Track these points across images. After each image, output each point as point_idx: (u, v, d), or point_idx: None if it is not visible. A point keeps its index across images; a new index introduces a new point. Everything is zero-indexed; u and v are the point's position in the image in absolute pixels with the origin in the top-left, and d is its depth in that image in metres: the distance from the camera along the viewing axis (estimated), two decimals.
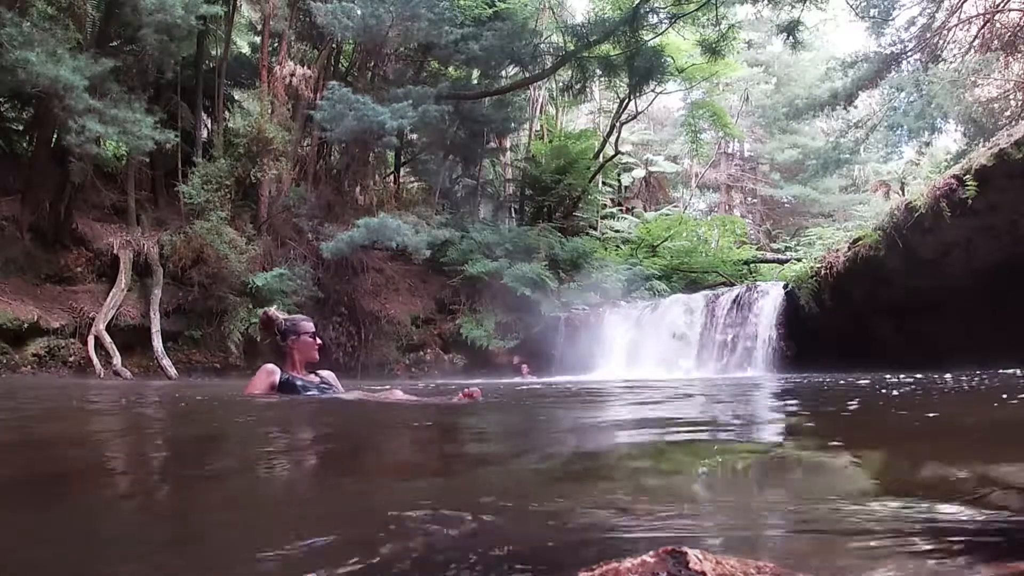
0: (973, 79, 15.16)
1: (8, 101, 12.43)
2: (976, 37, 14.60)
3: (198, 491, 1.28)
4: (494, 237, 15.00)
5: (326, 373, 3.81)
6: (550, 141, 19.27)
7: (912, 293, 8.08)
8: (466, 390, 3.40)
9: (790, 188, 28.48)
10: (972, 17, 14.72)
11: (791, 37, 14.48)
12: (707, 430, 2.44)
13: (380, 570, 0.75)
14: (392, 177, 17.07)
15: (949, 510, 0.95)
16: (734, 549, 0.77)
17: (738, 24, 16.02)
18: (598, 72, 16.37)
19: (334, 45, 14.69)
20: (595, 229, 18.76)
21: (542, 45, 15.78)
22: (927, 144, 18.56)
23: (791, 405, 3.72)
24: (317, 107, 12.44)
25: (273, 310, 3.81)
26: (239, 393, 3.74)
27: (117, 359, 9.96)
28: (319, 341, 3.65)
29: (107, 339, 10.14)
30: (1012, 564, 0.66)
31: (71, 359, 10.11)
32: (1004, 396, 3.24)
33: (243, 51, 16.44)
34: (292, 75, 12.86)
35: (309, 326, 3.65)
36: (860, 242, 8.57)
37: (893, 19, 15.33)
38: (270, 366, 3.58)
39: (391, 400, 3.52)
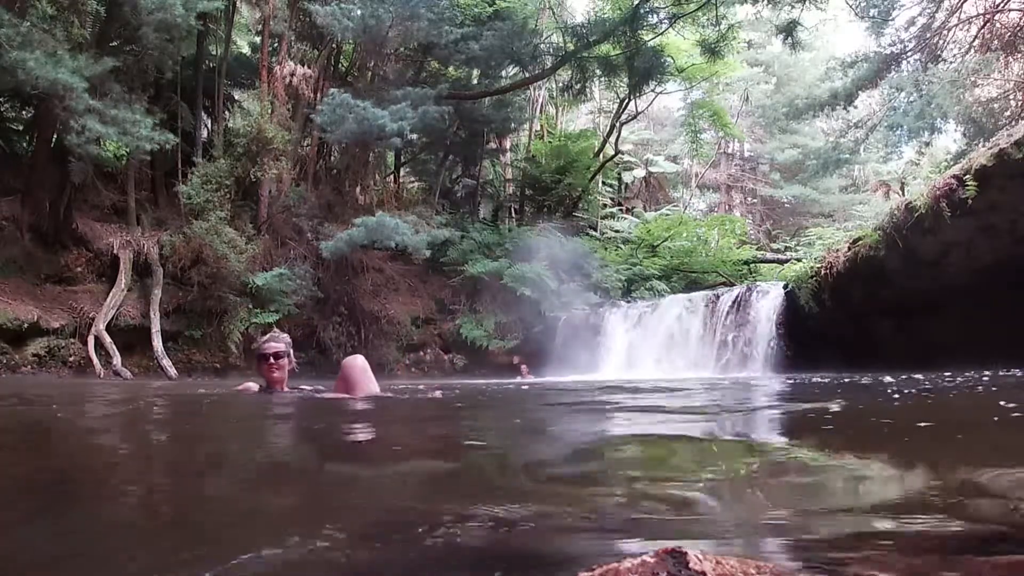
0: (973, 79, 15.17)
1: (8, 101, 12.44)
2: (976, 37, 14.60)
3: None
4: (494, 237, 15.00)
5: (307, 387, 4.22)
6: (550, 141, 19.27)
7: (912, 293, 8.08)
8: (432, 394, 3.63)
9: (790, 188, 28.50)
10: (972, 17, 14.72)
11: (789, 38, 14.49)
12: (706, 430, 2.44)
13: (378, 571, 0.75)
14: (392, 177, 17.07)
15: (947, 514, 0.95)
16: (734, 549, 0.77)
17: (738, 24, 16.02)
18: (598, 72, 16.37)
19: (334, 45, 14.68)
20: (595, 229, 18.76)
21: (542, 45, 15.77)
22: (927, 144, 18.56)
23: (791, 406, 3.72)
24: (317, 111, 12.44)
25: (264, 338, 4.17)
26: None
27: (117, 359, 9.96)
28: (271, 362, 3.90)
29: (107, 339, 10.15)
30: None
31: (71, 359, 10.12)
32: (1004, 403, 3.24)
33: (243, 51, 16.44)
34: (292, 75, 12.86)
35: (262, 348, 3.97)
36: (860, 242, 8.56)
37: (893, 19, 15.34)
38: (250, 383, 4.11)
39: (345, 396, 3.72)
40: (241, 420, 3.20)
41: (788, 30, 14.37)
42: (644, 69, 15.49)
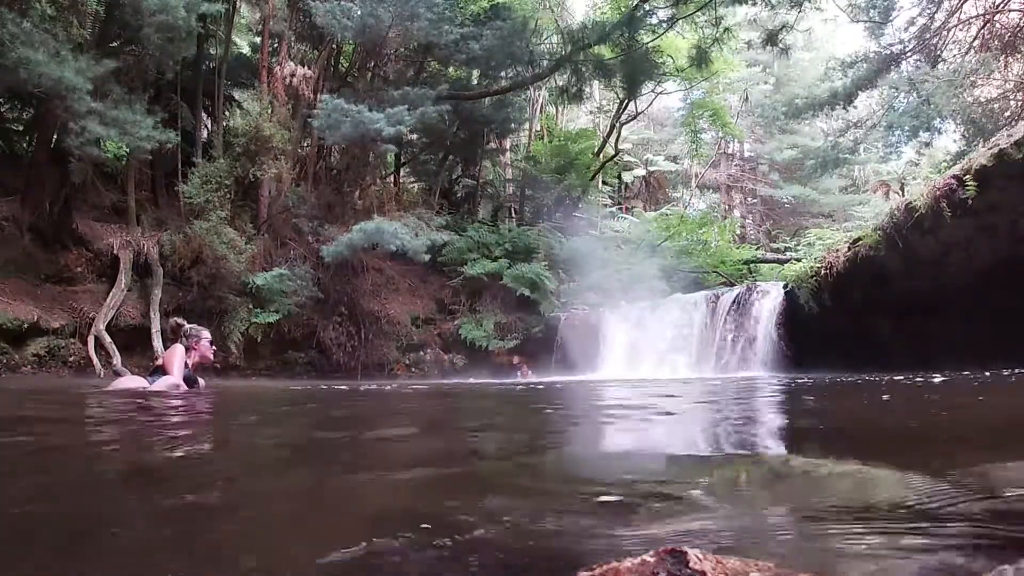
0: (973, 79, 15.15)
1: (8, 101, 12.44)
2: (976, 38, 14.59)
3: None
4: (494, 237, 15.00)
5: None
6: (550, 141, 19.29)
7: (912, 293, 8.08)
8: None
9: (790, 188, 28.50)
10: (972, 18, 14.71)
11: (775, 46, 14.48)
12: (705, 430, 2.44)
13: (376, 570, 0.75)
14: (392, 177, 17.08)
15: (947, 515, 0.95)
16: (734, 549, 0.77)
17: (736, 25, 16.02)
18: (593, 74, 16.32)
19: (334, 46, 14.69)
20: (595, 229, 18.77)
21: (542, 46, 15.77)
22: (926, 144, 18.53)
23: (791, 406, 3.72)
24: (314, 116, 12.43)
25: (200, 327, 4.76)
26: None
27: (117, 359, 9.96)
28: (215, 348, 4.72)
29: (107, 339, 10.15)
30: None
31: (71, 359, 10.11)
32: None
33: (243, 51, 16.44)
34: (292, 75, 12.86)
35: (208, 335, 4.59)
36: (860, 242, 8.57)
37: (892, 20, 15.33)
38: (126, 380, 4.84)
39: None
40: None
41: (773, 39, 14.35)
42: (637, 72, 15.46)
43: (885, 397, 3.62)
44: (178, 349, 4.33)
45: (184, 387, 4.19)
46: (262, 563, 0.81)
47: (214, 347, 4.67)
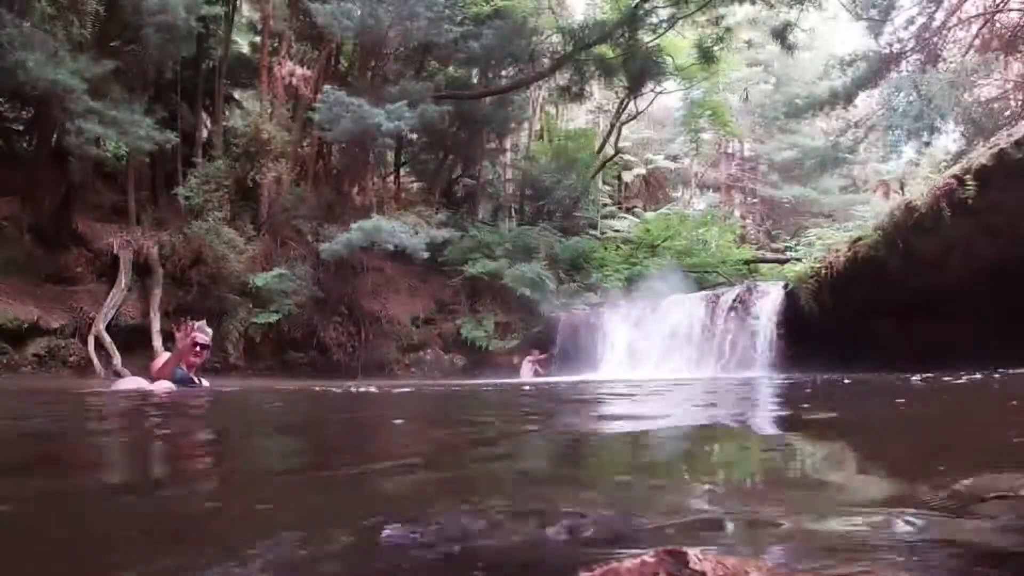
0: (973, 79, 15.15)
1: (8, 102, 12.44)
2: (976, 37, 14.60)
3: None
4: (494, 237, 15.00)
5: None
6: (550, 141, 19.26)
7: (912, 293, 8.07)
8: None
9: (790, 188, 28.48)
10: (972, 17, 14.72)
11: (782, 42, 14.49)
12: (705, 431, 2.44)
13: (375, 572, 0.75)
14: (392, 177, 17.08)
15: (945, 517, 0.95)
16: (734, 550, 0.77)
17: (736, 24, 16.04)
18: (596, 74, 16.33)
19: (334, 45, 14.69)
20: (595, 229, 18.75)
21: (541, 45, 15.77)
22: (926, 144, 18.53)
23: (792, 406, 3.72)
24: (315, 109, 12.44)
25: (198, 325, 4.67)
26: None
27: (117, 359, 9.96)
28: (199, 350, 4.51)
29: (107, 339, 10.15)
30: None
31: (71, 359, 10.12)
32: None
33: (243, 51, 16.43)
34: (292, 75, 12.87)
35: (198, 337, 4.48)
36: (860, 242, 8.57)
37: (891, 19, 15.33)
38: (141, 383, 4.49)
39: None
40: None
41: (782, 33, 14.36)
42: (641, 71, 15.47)
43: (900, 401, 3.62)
44: (163, 355, 4.49)
45: (172, 387, 4.21)
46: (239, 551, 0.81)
47: (199, 348, 4.50)
